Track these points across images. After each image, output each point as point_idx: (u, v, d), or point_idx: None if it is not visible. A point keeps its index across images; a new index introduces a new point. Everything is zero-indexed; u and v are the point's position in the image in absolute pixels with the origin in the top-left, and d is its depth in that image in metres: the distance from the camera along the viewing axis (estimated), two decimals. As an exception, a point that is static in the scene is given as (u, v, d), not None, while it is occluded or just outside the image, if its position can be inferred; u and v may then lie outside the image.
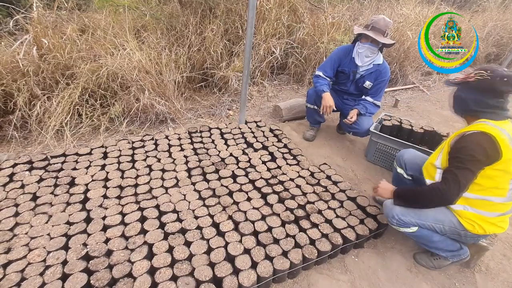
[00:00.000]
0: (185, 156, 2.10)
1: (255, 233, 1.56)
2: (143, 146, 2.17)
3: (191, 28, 3.16)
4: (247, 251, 1.46)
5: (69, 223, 1.53)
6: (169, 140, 2.26)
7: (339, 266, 1.59)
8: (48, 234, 1.47)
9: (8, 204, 1.62)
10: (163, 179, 1.88)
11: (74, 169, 1.90)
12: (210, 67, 3.28)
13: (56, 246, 1.41)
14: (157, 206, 1.67)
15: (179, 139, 2.29)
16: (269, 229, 1.59)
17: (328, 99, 2.25)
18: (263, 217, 1.66)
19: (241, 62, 3.23)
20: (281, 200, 1.79)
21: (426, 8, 5.12)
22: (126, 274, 1.31)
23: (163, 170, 1.95)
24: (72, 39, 2.65)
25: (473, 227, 1.39)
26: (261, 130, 2.48)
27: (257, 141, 2.33)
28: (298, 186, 1.92)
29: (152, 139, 2.26)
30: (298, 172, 2.05)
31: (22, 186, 1.74)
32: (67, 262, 1.34)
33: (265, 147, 2.28)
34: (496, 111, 1.27)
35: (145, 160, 2.03)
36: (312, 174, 2.05)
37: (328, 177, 2.03)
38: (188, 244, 1.47)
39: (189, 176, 1.93)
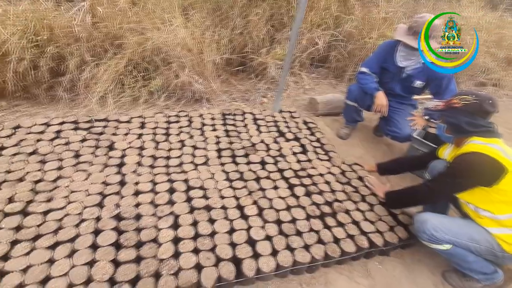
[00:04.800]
0: (217, 137, 2.11)
1: (279, 222, 1.54)
2: (177, 122, 2.22)
3: (236, 10, 3.13)
4: (268, 238, 1.45)
5: (105, 183, 1.62)
6: (203, 119, 2.29)
7: (361, 269, 1.53)
8: (86, 190, 1.56)
9: (54, 158, 1.74)
10: (193, 155, 1.92)
11: (114, 134, 1.99)
12: (250, 52, 3.25)
13: (92, 203, 1.50)
14: (185, 181, 1.71)
15: (213, 119, 2.31)
16: (293, 220, 1.56)
17: (382, 98, 2.13)
18: (288, 208, 1.63)
19: (283, 50, 3.16)
20: (308, 194, 1.75)
21: (490, 14, 4.63)
22: (152, 239, 1.37)
23: (195, 147, 1.99)
24: (124, 10, 2.74)
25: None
26: (295, 121, 2.43)
27: (289, 131, 2.29)
28: (327, 183, 1.86)
29: (187, 116, 2.30)
30: (328, 168, 1.99)
31: (67, 143, 1.86)
32: (100, 219, 1.43)
33: (297, 139, 2.23)
34: (487, 130, 1.33)
35: (178, 135, 2.08)
36: (343, 173, 1.97)
37: (360, 178, 1.94)
38: (212, 221, 1.49)
39: (219, 157, 1.94)
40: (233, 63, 3.38)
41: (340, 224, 1.60)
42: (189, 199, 1.60)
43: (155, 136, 2.03)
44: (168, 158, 1.86)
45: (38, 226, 1.36)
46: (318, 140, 2.25)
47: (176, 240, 1.38)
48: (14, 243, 1.28)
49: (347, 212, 1.68)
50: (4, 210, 1.40)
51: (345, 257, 1.47)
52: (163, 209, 1.52)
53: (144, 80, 2.76)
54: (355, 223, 1.62)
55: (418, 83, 2.18)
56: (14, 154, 1.72)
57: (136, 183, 1.64)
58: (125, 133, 2.01)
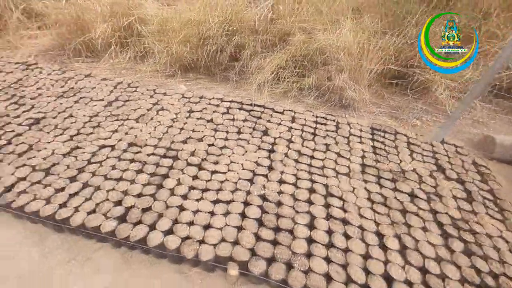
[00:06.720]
0: (363, 151, 2.01)
1: (424, 271, 1.34)
2: (325, 124, 2.24)
3: (415, 18, 2.80)
4: (409, 283, 1.28)
5: (257, 164, 1.83)
6: (350, 128, 2.22)
7: None
8: (242, 164, 1.81)
9: (223, 129, 2.10)
10: (336, 162, 1.89)
11: (269, 121, 2.21)
12: (416, 66, 2.87)
13: (245, 176, 1.73)
14: (325, 186, 1.72)
15: (361, 131, 2.20)
16: (443, 276, 1.32)
17: None
18: (438, 259, 1.38)
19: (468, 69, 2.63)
20: (467, 253, 1.43)
21: None
22: (288, 229, 1.45)
23: (339, 155, 1.96)
24: (298, 10, 2.93)
25: None
26: (461, 159, 2.01)
27: (452, 169, 1.91)
28: (496, 248, 1.46)
29: (335, 120, 2.29)
30: (501, 231, 1.55)
31: (233, 119, 2.20)
32: (250, 193, 1.63)
33: (461, 181, 1.84)
34: None
35: (324, 138, 2.10)
36: (524, 245, 1.50)
37: (553, 263, 1.43)
38: (347, 236, 1.45)
39: (362, 172, 1.84)
40: (388, 74, 3.10)
41: (511, 310, 1.23)
42: (327, 205, 1.60)
43: (302, 132, 2.12)
44: (312, 157, 1.92)
45: (207, 181, 1.68)
46: (491, 191, 1.78)
47: (310, 240, 1.42)
48: (191, 188, 1.64)
49: (524, 299, 1.27)
50: (187, 160, 1.81)
51: None
52: (301, 205, 1.58)
53: (298, 76, 2.92)
54: (536, 319, 1.21)
55: None
56: (198, 118, 2.18)
57: (281, 172, 1.77)
58: (278, 123, 2.19)
